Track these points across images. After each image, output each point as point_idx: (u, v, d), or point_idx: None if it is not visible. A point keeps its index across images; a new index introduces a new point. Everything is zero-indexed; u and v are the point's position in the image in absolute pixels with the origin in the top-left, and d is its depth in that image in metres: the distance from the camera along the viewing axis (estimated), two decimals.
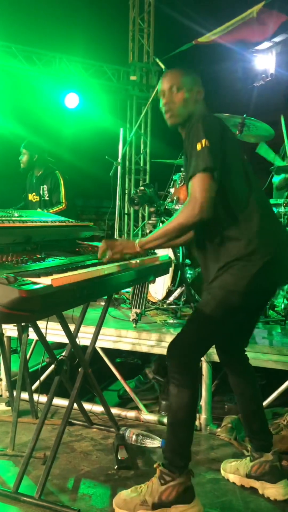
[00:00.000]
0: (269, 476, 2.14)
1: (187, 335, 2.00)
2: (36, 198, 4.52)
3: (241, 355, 2.27)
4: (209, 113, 2.04)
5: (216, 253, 1.98)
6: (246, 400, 2.22)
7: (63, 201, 4.37)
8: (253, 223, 1.93)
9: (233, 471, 2.28)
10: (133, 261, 2.22)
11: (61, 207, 4.35)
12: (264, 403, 2.75)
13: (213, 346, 2.26)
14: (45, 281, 1.61)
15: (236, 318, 2.04)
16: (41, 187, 4.46)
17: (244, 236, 1.92)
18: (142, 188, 3.48)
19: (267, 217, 2.01)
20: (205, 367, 2.79)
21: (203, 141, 1.84)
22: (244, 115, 3.72)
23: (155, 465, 2.02)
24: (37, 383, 3.08)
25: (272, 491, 2.13)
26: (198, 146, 1.84)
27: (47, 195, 4.43)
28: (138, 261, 2.24)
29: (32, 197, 4.57)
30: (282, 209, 3.45)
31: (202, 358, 2.78)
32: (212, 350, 2.78)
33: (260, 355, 2.73)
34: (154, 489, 1.97)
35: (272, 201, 3.51)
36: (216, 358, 2.77)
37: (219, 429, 2.77)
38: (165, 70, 4.36)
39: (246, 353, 2.64)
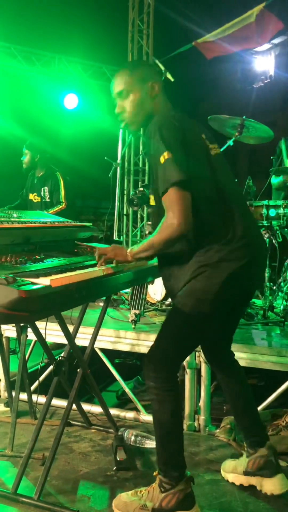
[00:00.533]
0: (265, 470, 2.15)
1: (162, 349, 1.95)
2: (37, 199, 4.53)
3: (226, 354, 2.27)
4: (166, 117, 1.90)
5: (184, 261, 1.92)
6: (235, 397, 2.22)
7: (63, 200, 4.38)
8: (224, 228, 1.88)
9: (232, 469, 2.29)
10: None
11: (61, 207, 4.36)
12: (263, 405, 2.75)
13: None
14: (44, 281, 1.61)
15: (209, 325, 1.98)
16: (42, 188, 4.48)
17: (214, 242, 1.87)
18: (141, 189, 3.47)
19: (241, 221, 1.92)
20: (204, 368, 2.79)
21: (165, 154, 1.77)
22: (244, 117, 3.72)
23: (154, 473, 2.01)
24: (36, 383, 3.08)
25: (269, 485, 2.14)
26: (161, 159, 1.78)
27: (48, 196, 4.45)
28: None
29: (33, 197, 4.58)
30: (281, 211, 3.45)
31: (201, 359, 2.78)
32: None
33: (259, 356, 2.74)
34: (154, 496, 1.96)
35: (271, 202, 3.51)
36: None
37: (218, 430, 2.77)
38: (164, 71, 4.40)
39: (245, 354, 2.64)
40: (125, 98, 1.98)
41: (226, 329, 2.22)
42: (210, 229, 1.90)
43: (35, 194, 4.56)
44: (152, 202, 2.01)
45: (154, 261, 2.54)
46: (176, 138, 1.82)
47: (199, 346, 2.28)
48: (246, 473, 2.22)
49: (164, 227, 1.82)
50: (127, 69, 2.00)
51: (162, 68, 4.41)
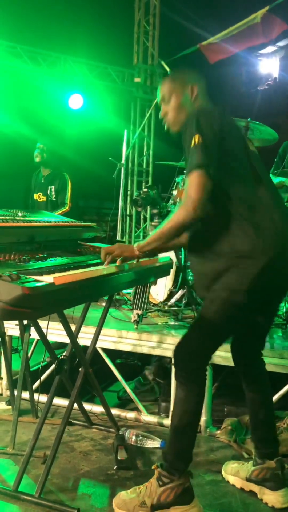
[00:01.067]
0: (269, 483, 2.13)
1: (195, 340, 1.97)
2: (43, 198, 4.55)
3: (257, 359, 2.23)
4: (209, 107, 1.98)
5: (215, 253, 1.91)
6: (256, 406, 2.19)
7: (68, 202, 4.40)
8: (257, 220, 1.87)
9: (234, 473, 2.28)
10: (134, 262, 2.23)
11: (64, 210, 4.38)
12: None
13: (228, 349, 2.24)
14: (47, 279, 1.62)
15: (242, 316, 1.99)
16: (49, 187, 4.50)
17: (246, 232, 1.86)
18: (145, 189, 3.49)
19: (275, 214, 1.92)
20: None
21: (196, 137, 1.80)
22: (248, 119, 3.73)
23: (153, 466, 2.02)
24: (38, 382, 3.08)
25: (271, 498, 2.11)
26: (192, 143, 1.81)
27: (54, 195, 4.47)
28: (135, 262, 2.23)
29: (37, 196, 4.60)
30: None
31: None
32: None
33: None
34: (152, 491, 1.97)
35: None
36: (217, 360, 2.78)
37: (218, 431, 2.77)
38: (169, 73, 4.40)
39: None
40: (167, 103, 2.05)
41: (258, 326, 2.17)
42: (244, 221, 1.87)
43: (40, 193, 4.58)
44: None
45: (162, 260, 2.55)
46: (211, 126, 1.85)
47: (230, 351, 2.26)
48: (248, 480, 2.20)
49: (177, 210, 1.84)
50: (171, 76, 2.11)
51: (168, 69, 4.42)
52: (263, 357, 2.24)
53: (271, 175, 4.10)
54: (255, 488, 2.19)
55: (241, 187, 1.90)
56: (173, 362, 2.03)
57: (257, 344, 2.23)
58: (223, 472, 2.34)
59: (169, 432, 2.02)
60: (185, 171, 2.01)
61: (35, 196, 4.62)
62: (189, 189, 1.81)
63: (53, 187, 4.48)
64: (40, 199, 4.58)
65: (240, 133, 2.02)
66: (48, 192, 4.50)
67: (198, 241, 2.00)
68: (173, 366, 2.05)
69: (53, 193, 4.48)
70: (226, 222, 1.88)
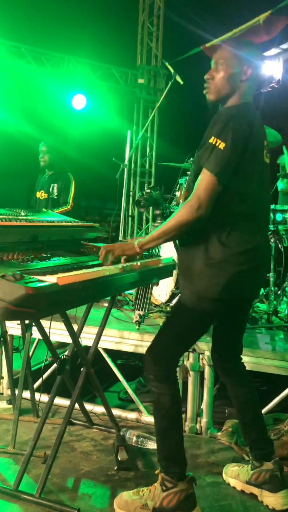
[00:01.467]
0: (269, 485, 2.13)
1: (162, 343, 2.01)
2: (44, 196, 4.55)
3: (237, 363, 2.26)
4: (244, 114, 1.92)
5: (195, 255, 1.93)
6: (244, 408, 2.21)
7: (70, 202, 4.41)
8: (248, 232, 1.92)
9: (234, 476, 2.28)
10: (137, 263, 2.23)
11: (66, 208, 4.38)
12: (266, 409, 2.75)
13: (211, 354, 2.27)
14: (50, 279, 1.62)
15: (208, 323, 2.06)
16: (52, 185, 4.51)
17: (225, 246, 1.89)
18: (148, 190, 3.49)
19: (263, 228, 2.03)
20: (207, 370, 2.79)
21: (222, 143, 1.79)
22: None
23: (157, 471, 2.03)
24: (39, 382, 3.08)
25: (271, 500, 2.12)
26: (218, 144, 1.79)
27: (56, 193, 4.48)
28: (139, 263, 2.24)
29: (40, 194, 4.61)
30: None
31: (205, 362, 2.78)
32: None
33: (262, 360, 2.74)
34: (156, 494, 1.97)
35: (278, 207, 3.51)
36: None
37: (219, 433, 2.76)
38: (174, 74, 4.40)
39: (248, 358, 2.65)
40: (219, 69, 1.98)
41: (229, 332, 2.21)
42: (236, 230, 1.90)
43: (42, 191, 4.59)
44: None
45: (165, 261, 2.55)
46: (239, 138, 1.83)
47: (209, 351, 2.29)
48: (248, 483, 2.20)
49: (184, 210, 1.84)
50: (236, 45, 2.02)
51: (172, 70, 4.42)
52: (242, 361, 2.27)
53: (279, 179, 4.11)
54: (255, 491, 2.18)
55: (247, 199, 1.92)
56: (145, 365, 2.05)
57: (232, 348, 2.25)
58: (223, 475, 2.34)
59: (156, 438, 2.03)
60: (188, 172, 2.02)
61: (38, 194, 4.63)
62: (198, 188, 1.83)
63: (55, 185, 4.49)
64: (41, 197, 4.59)
65: (261, 145, 1.99)
66: (50, 189, 4.51)
67: (187, 238, 2.00)
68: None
69: (55, 191, 4.48)
70: (222, 228, 1.90)
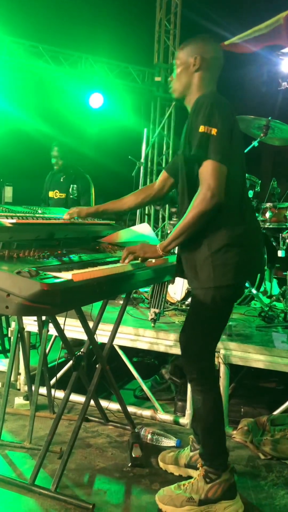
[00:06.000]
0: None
1: (196, 340, 2.03)
2: (60, 195, 4.57)
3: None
4: (224, 100, 1.95)
5: (196, 245, 1.95)
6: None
7: (93, 205, 4.43)
8: (238, 218, 1.95)
9: (172, 461, 2.34)
10: (152, 260, 2.23)
11: None
12: (282, 408, 2.73)
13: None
14: (66, 275, 1.63)
15: (230, 309, 2.14)
16: (72, 185, 4.53)
17: (227, 230, 1.92)
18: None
19: (249, 214, 2.05)
20: (222, 369, 2.78)
21: (213, 130, 1.81)
22: (269, 118, 3.70)
23: (198, 465, 2.07)
24: (55, 378, 3.11)
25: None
26: (214, 131, 1.81)
27: (76, 194, 4.50)
28: (153, 260, 2.23)
29: (53, 194, 4.62)
30: None
31: (220, 360, 2.78)
32: (230, 353, 2.79)
33: (278, 359, 2.71)
34: (200, 487, 2.01)
35: None
36: (234, 360, 2.77)
37: (235, 432, 2.75)
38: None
39: (264, 356, 2.64)
40: (174, 69, 2.12)
41: None
42: (225, 213, 1.91)
43: (56, 191, 4.61)
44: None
45: (172, 260, 2.55)
46: (227, 116, 1.88)
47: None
48: (187, 465, 2.29)
49: (198, 201, 1.84)
50: (184, 43, 2.15)
51: None
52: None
53: None
54: (193, 473, 2.22)
55: (235, 182, 1.94)
56: (184, 368, 2.09)
57: None
58: (160, 463, 2.38)
59: (200, 435, 2.08)
60: (180, 152, 2.05)
61: (51, 194, 4.65)
62: (206, 178, 1.82)
63: (75, 186, 4.51)
64: (56, 196, 4.61)
65: (240, 131, 2.04)
66: (70, 190, 4.52)
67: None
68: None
69: (75, 191, 4.51)
70: (221, 214, 1.90)
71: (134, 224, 5.41)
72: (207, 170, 1.82)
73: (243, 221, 1.96)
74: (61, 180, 4.62)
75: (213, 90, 2.04)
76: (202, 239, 1.93)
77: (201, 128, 1.82)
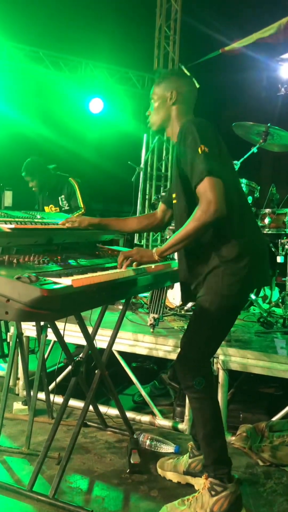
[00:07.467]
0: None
1: (195, 348, 2.03)
2: (56, 210, 4.53)
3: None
4: (204, 120, 2.04)
5: (205, 255, 1.98)
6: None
7: (82, 206, 4.40)
8: (242, 227, 1.98)
9: (171, 468, 2.32)
10: (152, 266, 2.23)
11: (80, 213, 4.38)
12: (281, 414, 2.73)
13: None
14: (65, 281, 1.63)
15: (234, 318, 2.14)
16: (59, 197, 4.46)
17: (231, 237, 1.95)
18: (164, 194, 3.49)
19: (253, 222, 2.11)
20: (221, 375, 2.78)
21: (202, 146, 1.87)
22: (269, 124, 3.71)
23: (203, 477, 2.02)
24: (54, 383, 3.10)
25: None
26: (199, 151, 1.87)
27: (66, 204, 4.46)
28: (153, 266, 2.24)
29: (49, 209, 4.57)
30: None
31: (219, 366, 2.77)
32: (229, 358, 2.78)
33: (277, 365, 2.71)
34: (204, 501, 1.95)
35: None
36: (233, 366, 2.77)
37: (234, 438, 2.74)
38: (190, 77, 4.40)
39: (263, 362, 2.64)
40: (151, 104, 2.21)
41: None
42: (232, 226, 1.96)
43: (51, 205, 4.56)
44: (174, 200, 2.14)
45: (175, 265, 2.55)
46: (212, 134, 1.96)
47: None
48: (186, 473, 2.26)
49: (198, 214, 1.86)
50: (156, 80, 2.24)
51: (188, 74, 4.42)
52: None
53: None
54: (191, 480, 2.22)
55: (230, 195, 1.94)
56: (180, 375, 2.07)
57: None
58: (159, 470, 2.36)
59: (201, 444, 2.05)
60: (173, 182, 2.11)
61: (47, 210, 4.58)
62: (205, 193, 1.85)
63: (63, 196, 4.45)
64: (52, 211, 4.56)
65: (225, 144, 2.09)
66: (60, 203, 4.47)
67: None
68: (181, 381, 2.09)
69: (64, 202, 4.45)
70: (218, 227, 1.93)
71: None
72: (204, 187, 1.85)
73: (248, 230, 2.00)
74: (47, 195, 4.55)
75: (192, 118, 2.11)
76: (211, 248, 1.97)
77: (193, 149, 1.89)
